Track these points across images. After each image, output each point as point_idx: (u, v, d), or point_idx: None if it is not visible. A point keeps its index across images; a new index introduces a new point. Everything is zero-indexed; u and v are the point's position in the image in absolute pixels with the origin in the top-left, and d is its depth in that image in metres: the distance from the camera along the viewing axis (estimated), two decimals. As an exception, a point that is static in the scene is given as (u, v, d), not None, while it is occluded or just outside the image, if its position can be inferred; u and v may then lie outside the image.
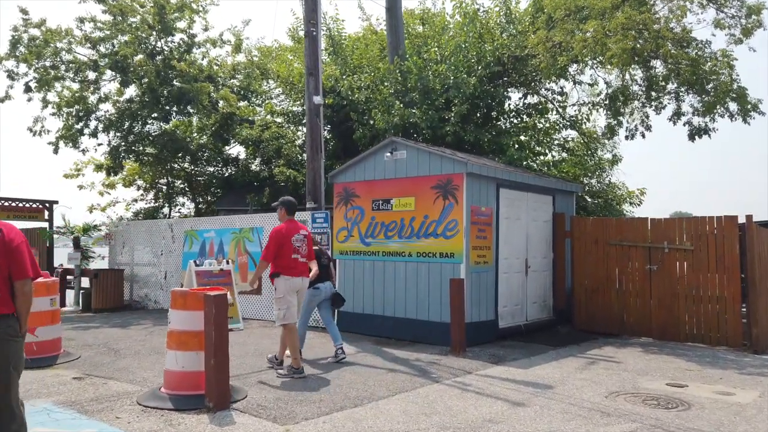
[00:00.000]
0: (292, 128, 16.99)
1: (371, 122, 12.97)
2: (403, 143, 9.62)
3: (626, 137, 12.42)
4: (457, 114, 11.87)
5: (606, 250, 10.43)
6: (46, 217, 16.48)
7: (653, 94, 11.97)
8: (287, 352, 6.93)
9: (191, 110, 15.12)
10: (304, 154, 12.26)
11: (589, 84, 13.38)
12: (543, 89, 14.35)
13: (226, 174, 17.46)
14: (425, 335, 9.02)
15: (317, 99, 11.28)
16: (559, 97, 14.35)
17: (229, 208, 15.29)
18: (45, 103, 15.35)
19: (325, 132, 15.65)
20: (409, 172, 9.42)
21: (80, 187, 18.00)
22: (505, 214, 9.81)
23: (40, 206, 16.32)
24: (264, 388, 6.12)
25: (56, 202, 16.41)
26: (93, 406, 5.28)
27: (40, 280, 7.41)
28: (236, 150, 18.02)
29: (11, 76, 14.87)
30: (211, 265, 10.55)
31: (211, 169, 17.75)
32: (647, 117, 12.21)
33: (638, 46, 10.74)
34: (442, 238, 8.97)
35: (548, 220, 11.07)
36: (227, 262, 10.69)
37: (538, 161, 14.38)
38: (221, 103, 15.59)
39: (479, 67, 12.37)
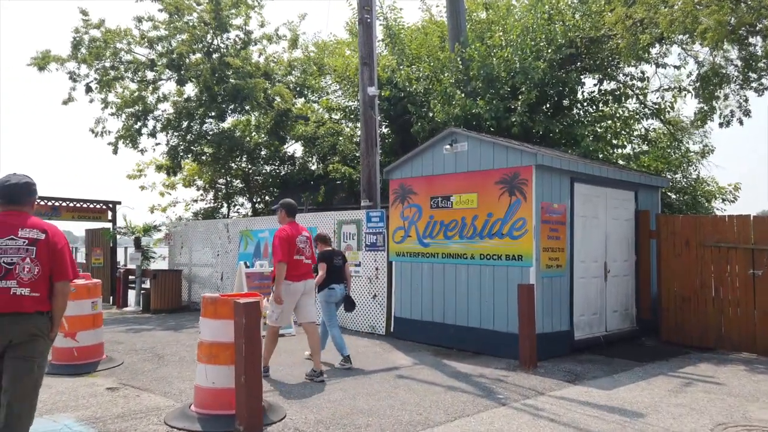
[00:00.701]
0: (350, 125, 16.47)
1: (430, 114, 12.18)
2: (463, 134, 8.79)
3: (720, 125, 11.02)
4: (524, 102, 10.88)
5: (700, 252, 9.18)
6: (110, 217, 16.73)
7: (752, 75, 10.53)
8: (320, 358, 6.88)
9: (246, 107, 14.82)
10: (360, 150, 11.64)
11: (675, 66, 12.01)
12: (621, 74, 13.07)
13: (282, 173, 17.16)
14: (490, 346, 8.16)
15: (372, 90, 10.64)
16: (639, 83, 13.00)
17: (285, 207, 14.91)
18: (105, 103, 15.54)
19: (383, 128, 15.02)
20: (471, 165, 8.59)
21: (142, 187, 18.24)
22: (581, 211, 8.78)
23: (104, 207, 16.58)
24: (306, 406, 5.49)
25: (119, 203, 16.63)
26: (116, 425, 4.81)
27: (81, 282, 7.16)
28: (292, 148, 17.73)
29: (73, 77, 15.14)
30: (263, 266, 10.10)
31: (268, 168, 17.51)
32: (746, 101, 10.76)
33: (733, 20, 9.40)
34: (509, 239, 8.07)
35: (630, 219, 9.92)
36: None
37: (615, 154, 13.11)
38: (277, 99, 15.25)
39: (549, 51, 11.31)
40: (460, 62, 12.20)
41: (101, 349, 7.33)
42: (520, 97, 11.17)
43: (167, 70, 15.12)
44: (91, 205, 16.37)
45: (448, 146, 8.84)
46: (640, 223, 9.98)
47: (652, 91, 13.24)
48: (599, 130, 12.36)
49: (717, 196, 14.55)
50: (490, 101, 11.29)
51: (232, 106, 15.21)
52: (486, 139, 8.51)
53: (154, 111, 15.52)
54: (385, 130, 15.00)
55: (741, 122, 10.87)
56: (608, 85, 13.00)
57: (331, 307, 7.57)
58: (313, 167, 16.20)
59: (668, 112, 13.06)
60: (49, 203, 15.70)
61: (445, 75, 12.39)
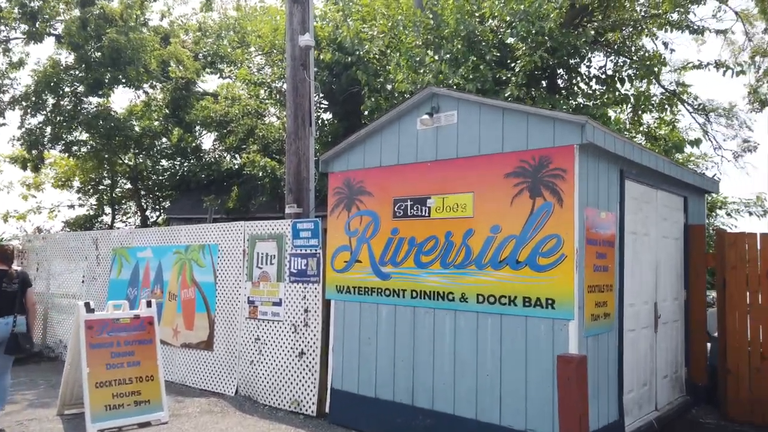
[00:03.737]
0: (278, 114, 13.05)
1: (389, 87, 8.98)
2: (452, 97, 5.63)
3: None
4: (525, 68, 7.85)
5: (791, 288, 6.41)
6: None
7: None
8: None
9: (132, 75, 10.98)
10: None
11: (719, 31, 9.33)
12: (633, 47, 10.34)
13: (185, 169, 13.37)
14: (496, 455, 4.98)
15: (305, 39, 7.37)
16: (667, 53, 10.27)
17: (185, 216, 11.33)
18: None
19: (322, 112, 11.72)
20: (464, 148, 5.45)
21: (-7, 188, 14.08)
22: (631, 225, 5.81)
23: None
24: None
25: (-43, 207, 12.47)
26: None
27: None
28: (199, 139, 14.00)
29: None
30: (119, 308, 6.50)
31: (166, 163, 13.73)
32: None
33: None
34: (530, 270, 4.94)
35: (679, 237, 7.08)
36: (147, 304, 6.63)
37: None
38: (176, 68, 11.59)
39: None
40: (430, 17, 9.08)
41: None
42: (517, 63, 8.15)
43: (20, 23, 11.21)
44: None
45: (425, 117, 5.65)
46: (691, 244, 7.19)
47: (673, 70, 10.61)
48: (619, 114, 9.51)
49: (738, 209, 12.13)
50: (475, 68, 8.20)
51: (111, 74, 11.31)
52: (491, 103, 5.36)
53: (2, 80, 11.54)
54: (325, 116, 11.70)
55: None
56: (615, 59, 10.21)
57: None
58: (225, 162, 12.56)
59: (692, 97, 10.44)
60: None
61: (410, 35, 9.23)
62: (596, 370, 5.03)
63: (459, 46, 8.71)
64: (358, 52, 9.38)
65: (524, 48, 7.94)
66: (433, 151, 5.68)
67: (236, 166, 11.42)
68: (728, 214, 11.99)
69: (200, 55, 12.86)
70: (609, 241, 5.31)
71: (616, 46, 9.53)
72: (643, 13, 8.84)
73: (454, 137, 5.55)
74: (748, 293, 6.71)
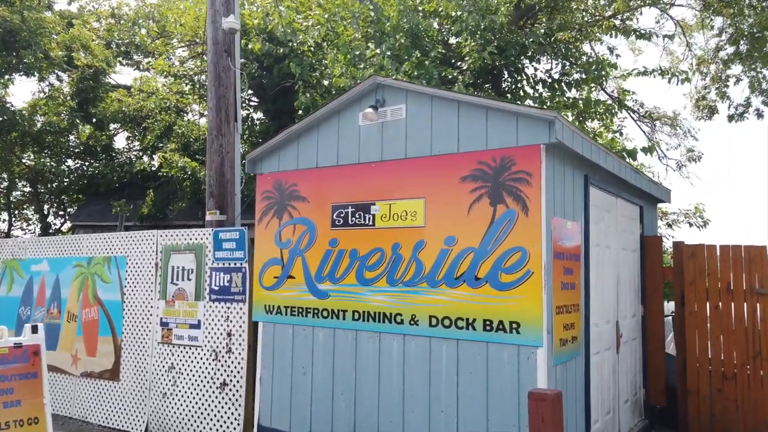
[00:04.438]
0: (202, 114, 12.03)
1: (326, 82, 8.24)
2: (400, 88, 4.97)
3: (730, 118, 8.28)
4: (474, 65, 7.32)
5: (752, 303, 6.19)
6: None
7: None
8: None
9: (30, 61, 9.66)
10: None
11: (667, 36, 9.18)
12: (578, 52, 10.09)
13: (94, 170, 12.01)
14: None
15: (229, 21, 6.55)
16: (613, 58, 10.08)
17: (93, 223, 10.12)
18: None
19: (252, 110, 10.83)
20: (414, 147, 4.80)
21: None
22: (595, 236, 5.33)
23: None
24: None
25: None
26: None
27: None
28: (108, 136, 12.69)
29: None
30: (-4, 335, 5.41)
31: (72, 163, 12.34)
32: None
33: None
34: (490, 288, 4.33)
35: (636, 249, 6.71)
36: (33, 330, 5.57)
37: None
38: (81, 55, 10.36)
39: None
40: (370, 8, 8.43)
41: None
42: (464, 61, 7.62)
43: None
44: None
45: (368, 110, 4.97)
46: (648, 256, 6.84)
47: (616, 78, 10.44)
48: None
49: (677, 221, 12.13)
50: (420, 64, 7.61)
51: (5, 60, 9.95)
52: (444, 96, 4.73)
53: None
54: (254, 114, 10.80)
55: (761, 115, 8.18)
56: (563, 63, 9.92)
57: None
58: (139, 162, 11.36)
59: (639, 105, 10.31)
60: None
61: (348, 27, 8.54)
62: (565, 403, 4.48)
63: (402, 41, 8.11)
64: (291, 43, 8.58)
65: (472, 44, 7.41)
66: (378, 151, 5.00)
67: (153, 168, 10.34)
68: (669, 225, 11.98)
69: (113, 43, 11.65)
70: (575, 255, 4.79)
71: (563, 49, 9.22)
72: (588, 18, 8.56)
73: (402, 135, 4.89)
74: (708, 308, 6.42)
